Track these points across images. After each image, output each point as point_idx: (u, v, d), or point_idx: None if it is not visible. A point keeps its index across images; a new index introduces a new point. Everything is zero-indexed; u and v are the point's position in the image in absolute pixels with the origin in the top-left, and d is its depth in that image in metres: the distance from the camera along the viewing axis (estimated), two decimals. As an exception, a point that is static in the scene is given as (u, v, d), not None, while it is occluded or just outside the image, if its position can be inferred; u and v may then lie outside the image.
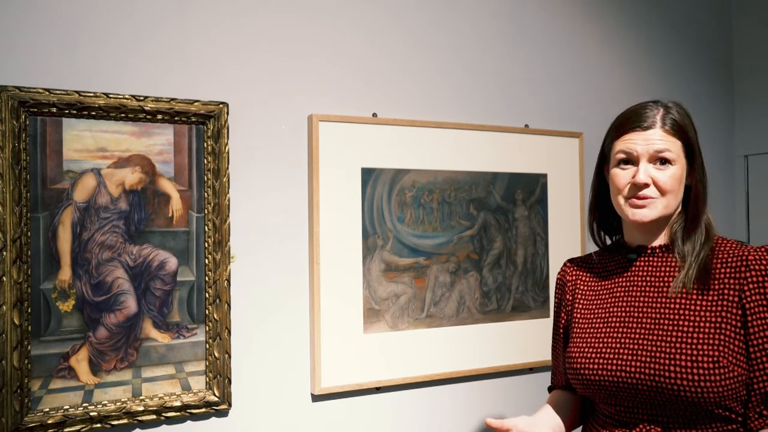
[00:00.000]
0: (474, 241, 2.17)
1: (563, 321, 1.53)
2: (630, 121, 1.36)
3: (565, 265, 1.58)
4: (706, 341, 1.25)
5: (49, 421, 1.60)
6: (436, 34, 2.16)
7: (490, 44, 2.26)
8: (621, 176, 1.36)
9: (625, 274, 1.41)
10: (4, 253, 1.55)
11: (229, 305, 1.79)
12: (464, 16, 2.22)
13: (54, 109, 1.61)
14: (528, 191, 2.28)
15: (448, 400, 2.13)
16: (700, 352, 1.24)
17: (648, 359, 1.28)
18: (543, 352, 2.26)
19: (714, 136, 2.80)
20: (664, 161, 1.32)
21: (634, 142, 1.33)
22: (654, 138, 1.32)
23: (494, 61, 2.27)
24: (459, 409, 2.15)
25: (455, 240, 2.14)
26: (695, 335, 1.26)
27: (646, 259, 1.39)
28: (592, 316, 1.42)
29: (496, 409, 2.22)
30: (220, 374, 1.78)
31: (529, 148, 2.28)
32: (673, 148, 1.33)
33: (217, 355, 1.78)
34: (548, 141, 2.32)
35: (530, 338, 2.25)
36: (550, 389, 1.61)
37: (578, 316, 1.46)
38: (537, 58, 2.36)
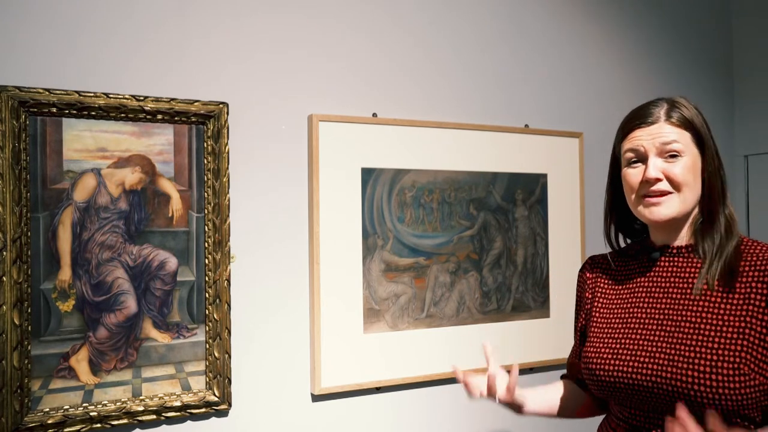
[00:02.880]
0: (474, 241, 2.17)
1: (582, 320, 1.50)
2: (634, 119, 1.33)
3: (586, 261, 1.53)
4: (727, 346, 1.20)
5: (49, 421, 1.60)
6: (436, 34, 2.16)
7: (490, 44, 2.26)
8: (632, 175, 1.32)
9: (648, 275, 1.37)
10: (4, 253, 1.55)
11: (229, 305, 1.79)
12: (464, 16, 2.22)
13: (54, 109, 1.61)
14: (528, 191, 2.28)
15: (448, 400, 2.13)
16: (721, 358, 1.19)
17: (665, 362, 1.23)
18: (543, 352, 2.26)
19: (714, 136, 2.79)
20: (674, 154, 1.28)
21: (640, 138, 1.30)
22: (660, 131, 1.29)
23: (494, 61, 2.27)
24: (459, 409, 2.15)
25: (455, 240, 2.14)
26: (716, 339, 1.21)
27: (670, 259, 1.35)
28: (611, 315, 1.39)
29: (496, 409, 2.22)
30: (220, 374, 1.78)
31: (529, 148, 2.28)
32: (681, 139, 1.29)
33: (217, 355, 1.78)
34: (548, 141, 2.32)
35: (530, 338, 2.25)
36: (562, 377, 1.58)
37: (597, 315, 1.42)
38: (537, 58, 2.36)
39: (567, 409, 1.50)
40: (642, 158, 1.31)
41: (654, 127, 1.30)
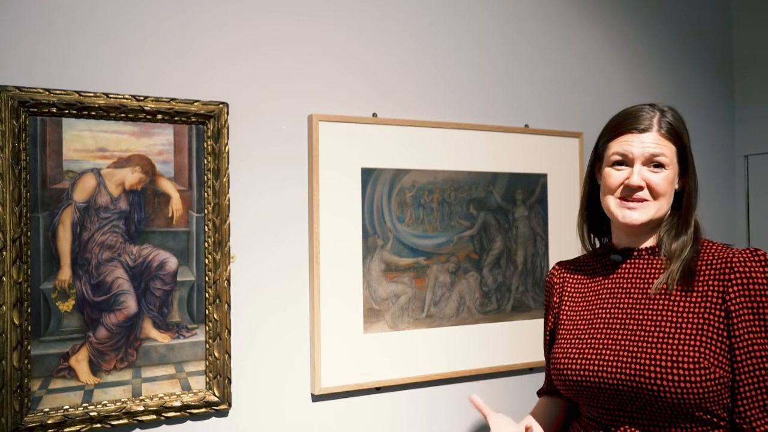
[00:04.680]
0: (474, 241, 2.17)
1: (550, 324, 1.54)
2: (626, 122, 1.36)
3: (553, 267, 1.59)
4: (687, 342, 1.24)
5: (49, 421, 1.60)
6: (436, 34, 2.16)
7: (491, 44, 2.26)
8: (614, 176, 1.36)
9: (611, 276, 1.41)
10: (4, 253, 1.55)
11: (229, 305, 1.79)
12: (464, 16, 2.22)
13: (54, 109, 1.61)
14: (528, 191, 2.28)
15: (448, 400, 2.13)
16: (681, 353, 1.23)
17: (629, 360, 1.27)
18: (543, 353, 2.26)
19: (714, 136, 2.79)
20: (658, 165, 1.33)
21: (629, 143, 1.34)
22: (650, 141, 1.33)
23: (494, 61, 2.27)
24: (459, 409, 2.15)
25: (455, 240, 2.14)
26: (676, 336, 1.26)
27: (633, 261, 1.39)
28: (577, 317, 1.43)
29: (496, 410, 2.22)
30: (220, 374, 1.78)
31: (529, 148, 2.28)
32: (668, 152, 1.33)
33: (217, 355, 1.78)
34: (548, 141, 2.32)
35: (530, 338, 2.25)
36: (539, 393, 1.61)
37: (564, 318, 1.46)
38: (537, 58, 2.36)
39: (549, 427, 1.53)
40: (628, 162, 1.35)
41: (646, 135, 1.34)
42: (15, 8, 1.61)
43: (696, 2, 2.80)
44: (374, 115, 2.03)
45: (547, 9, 2.39)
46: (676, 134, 1.35)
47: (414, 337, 2.06)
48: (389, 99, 2.07)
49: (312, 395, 1.93)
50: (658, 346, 1.26)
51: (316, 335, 1.90)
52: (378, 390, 2.02)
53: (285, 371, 1.90)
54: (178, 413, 1.74)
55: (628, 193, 1.34)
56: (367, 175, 2.00)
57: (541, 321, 2.27)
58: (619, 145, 1.36)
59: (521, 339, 2.24)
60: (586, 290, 1.45)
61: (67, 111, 1.62)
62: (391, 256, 2.03)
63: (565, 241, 2.35)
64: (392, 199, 2.04)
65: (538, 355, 2.25)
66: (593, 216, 1.49)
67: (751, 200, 2.83)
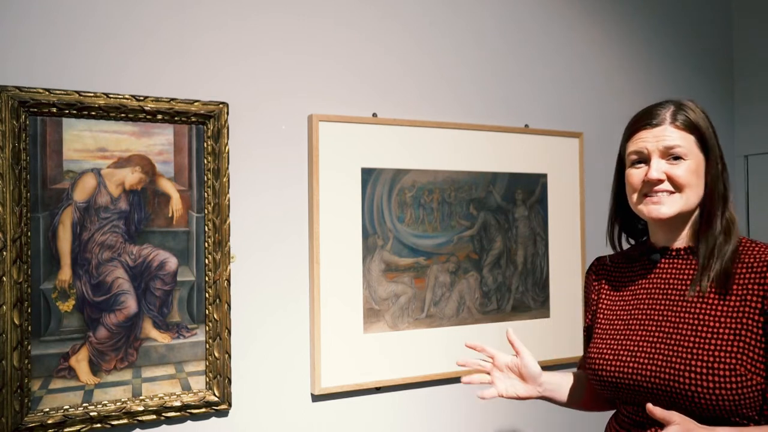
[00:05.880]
0: (474, 241, 2.17)
1: (587, 320, 1.54)
2: (641, 119, 1.35)
3: (593, 263, 1.56)
4: (723, 348, 1.22)
5: (49, 421, 1.60)
6: (436, 34, 2.16)
7: (491, 44, 2.26)
8: (635, 175, 1.34)
9: (649, 276, 1.39)
10: (4, 253, 1.55)
11: (229, 305, 1.79)
12: (464, 16, 2.22)
13: (54, 109, 1.61)
14: (528, 191, 2.28)
15: (448, 400, 2.13)
16: (717, 359, 1.21)
17: (664, 363, 1.26)
18: (543, 352, 2.26)
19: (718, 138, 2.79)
20: (677, 157, 1.30)
21: (644, 140, 1.32)
22: (663, 134, 1.30)
23: (494, 61, 2.27)
24: (459, 409, 2.15)
25: (455, 240, 2.14)
26: (713, 341, 1.23)
27: (670, 261, 1.37)
28: (613, 317, 1.42)
29: (496, 409, 2.22)
30: (220, 374, 1.78)
31: (529, 148, 2.28)
32: (685, 143, 1.30)
33: (217, 355, 1.78)
34: (548, 141, 2.32)
35: (530, 338, 2.25)
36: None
37: (601, 316, 1.45)
38: (537, 58, 2.36)
39: (574, 398, 1.52)
40: (645, 159, 1.33)
41: (658, 129, 1.31)
42: (15, 8, 1.61)
43: (696, 2, 2.80)
44: (374, 115, 2.03)
45: (547, 9, 2.39)
46: (692, 124, 1.31)
47: (414, 337, 2.06)
48: (389, 99, 2.07)
49: (312, 395, 1.93)
50: (694, 351, 1.24)
51: (316, 335, 1.90)
52: (378, 390, 2.02)
53: (285, 371, 1.90)
54: (178, 413, 1.74)
55: (650, 188, 1.31)
56: (367, 175, 2.00)
57: (542, 321, 2.28)
58: (634, 144, 1.34)
59: (521, 339, 2.23)
60: (623, 289, 1.44)
61: (67, 111, 1.62)
62: (391, 256, 2.03)
63: (565, 241, 2.34)
64: (392, 199, 2.04)
65: (538, 355, 2.23)
66: (626, 219, 1.47)
67: (751, 200, 2.83)
